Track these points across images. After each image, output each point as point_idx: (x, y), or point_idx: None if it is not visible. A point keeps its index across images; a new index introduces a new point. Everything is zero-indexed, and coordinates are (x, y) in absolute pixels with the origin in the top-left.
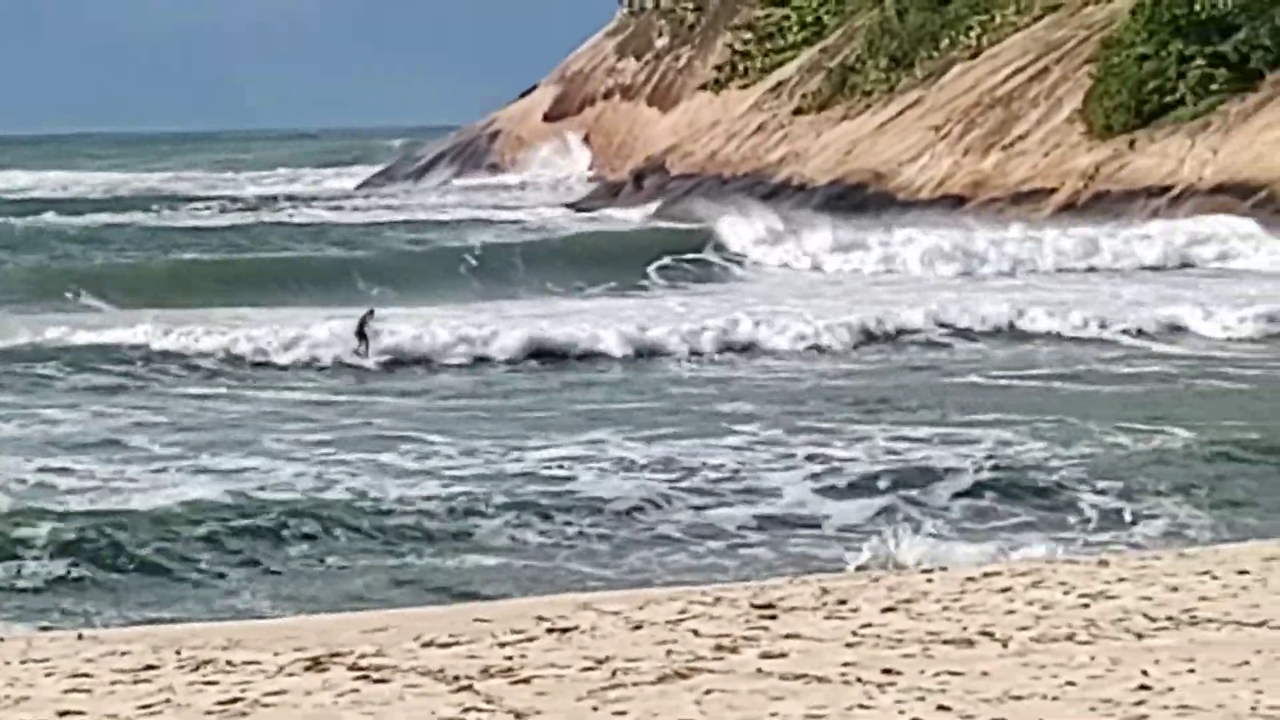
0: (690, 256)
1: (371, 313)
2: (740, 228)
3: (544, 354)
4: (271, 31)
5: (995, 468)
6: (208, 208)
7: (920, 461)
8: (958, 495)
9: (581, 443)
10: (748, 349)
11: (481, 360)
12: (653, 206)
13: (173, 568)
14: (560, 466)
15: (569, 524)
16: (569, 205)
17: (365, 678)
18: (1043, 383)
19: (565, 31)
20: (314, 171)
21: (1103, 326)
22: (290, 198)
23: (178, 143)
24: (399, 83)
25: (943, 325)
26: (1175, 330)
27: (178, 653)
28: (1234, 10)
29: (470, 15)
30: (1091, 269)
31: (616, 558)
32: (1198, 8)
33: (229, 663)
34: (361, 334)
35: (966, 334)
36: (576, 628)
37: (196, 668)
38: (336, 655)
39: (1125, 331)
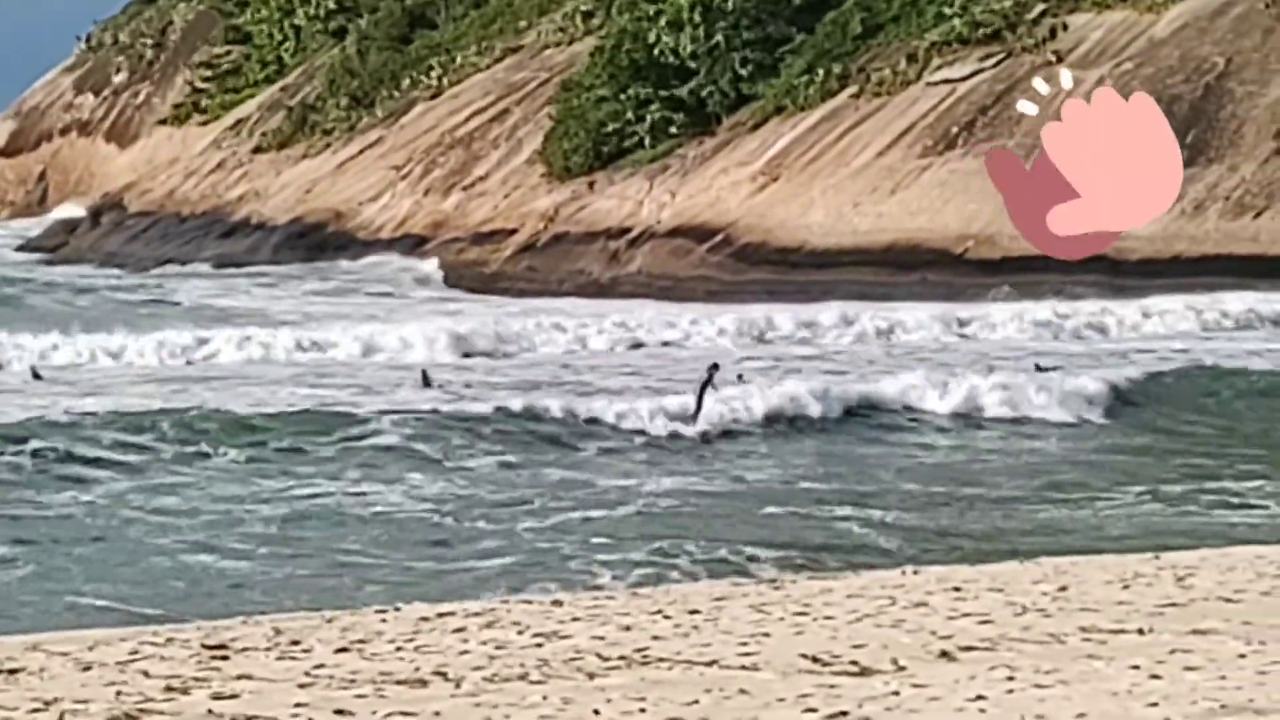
0: None
1: (716, 366)
2: None
3: None
4: None
5: None
6: None
7: None
8: None
9: None
10: None
11: None
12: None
13: None
14: None
15: None
16: (26, 246)
17: None
18: None
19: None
20: None
21: None
22: None
23: None
24: None
25: None
26: None
27: None
28: (692, 56)
29: None
30: None
31: None
32: (656, 52)
33: None
34: (702, 394)
35: None
36: (24, 669)
37: None
38: None
39: None
